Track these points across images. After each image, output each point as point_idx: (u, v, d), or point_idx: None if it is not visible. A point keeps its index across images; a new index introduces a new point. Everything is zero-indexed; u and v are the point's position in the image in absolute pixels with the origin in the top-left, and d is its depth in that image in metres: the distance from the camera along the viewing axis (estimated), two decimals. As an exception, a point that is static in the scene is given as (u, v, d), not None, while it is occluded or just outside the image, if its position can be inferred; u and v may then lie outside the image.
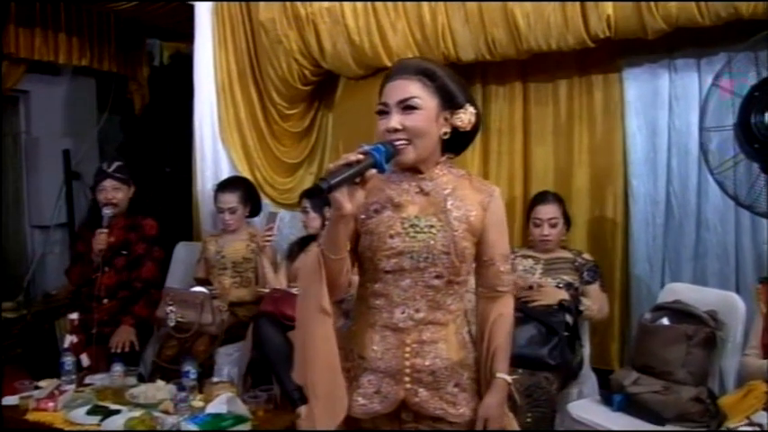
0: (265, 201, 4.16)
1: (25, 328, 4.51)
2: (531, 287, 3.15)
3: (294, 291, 3.28)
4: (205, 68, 4.31)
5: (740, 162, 2.67)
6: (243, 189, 3.85)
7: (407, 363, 1.67)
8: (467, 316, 1.79)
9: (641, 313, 3.07)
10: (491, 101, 3.86)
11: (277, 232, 3.57)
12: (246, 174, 4.23)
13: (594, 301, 3.15)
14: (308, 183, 4.24)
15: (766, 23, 2.75)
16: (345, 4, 3.71)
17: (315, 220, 3.52)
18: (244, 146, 4.31)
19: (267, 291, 3.50)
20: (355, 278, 1.75)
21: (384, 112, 1.66)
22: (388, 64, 3.53)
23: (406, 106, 1.64)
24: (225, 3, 4.24)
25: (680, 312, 2.78)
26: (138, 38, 5.46)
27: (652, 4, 3.03)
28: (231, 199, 3.78)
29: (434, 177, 1.72)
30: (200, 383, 2.86)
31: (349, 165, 1.49)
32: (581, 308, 3.10)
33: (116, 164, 3.70)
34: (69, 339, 3.17)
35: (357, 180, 1.51)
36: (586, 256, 3.30)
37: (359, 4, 3.69)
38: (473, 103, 1.73)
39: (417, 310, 1.67)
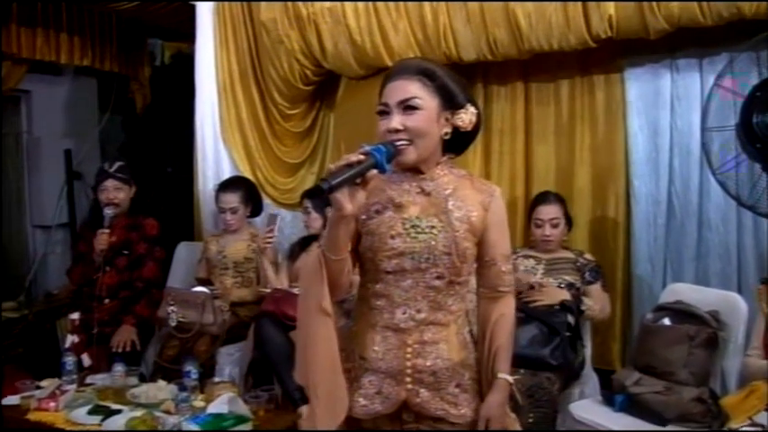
0: (266, 201, 4.16)
1: (27, 327, 4.51)
2: (532, 287, 3.15)
3: (295, 291, 3.27)
4: (206, 68, 4.31)
5: (742, 162, 2.67)
6: (244, 189, 3.85)
7: (409, 363, 1.67)
8: (468, 316, 1.79)
9: (643, 313, 3.07)
10: (492, 101, 3.86)
11: (278, 233, 3.57)
12: (248, 174, 4.23)
13: (596, 302, 3.15)
14: (309, 183, 4.24)
15: (768, 23, 2.75)
16: (347, 4, 3.71)
17: (316, 221, 3.52)
18: (245, 146, 4.31)
19: (268, 291, 3.50)
20: (356, 278, 1.74)
21: (384, 113, 1.66)
22: (390, 64, 3.52)
23: (407, 106, 1.63)
24: (226, 3, 4.24)
25: (682, 313, 2.77)
26: (139, 38, 5.46)
27: (654, 4, 3.02)
28: (232, 199, 3.78)
29: (435, 178, 1.72)
30: (201, 383, 2.87)
31: (350, 165, 1.49)
32: (582, 308, 3.09)
33: (117, 164, 3.70)
34: (71, 339, 3.18)
35: (358, 180, 1.51)
36: (588, 256, 3.30)
37: (360, 4, 3.69)
38: (474, 103, 1.73)
39: (418, 311, 1.67)
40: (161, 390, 2.81)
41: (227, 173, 4.26)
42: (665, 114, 3.44)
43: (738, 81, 2.77)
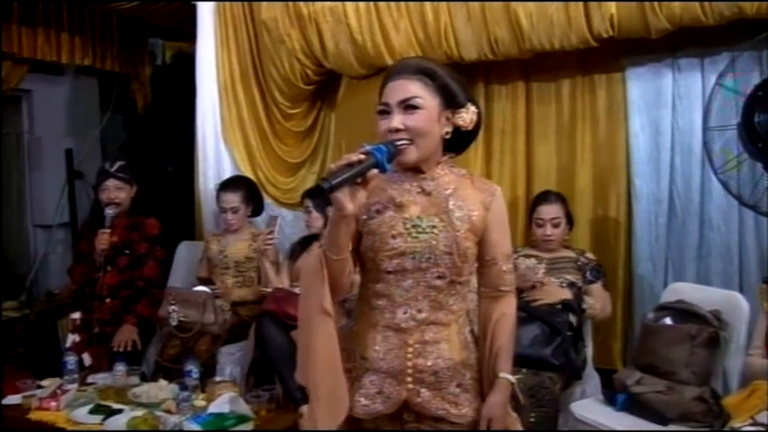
0: (267, 200, 4.16)
1: (28, 327, 4.51)
2: (533, 286, 3.15)
3: (296, 290, 3.27)
4: (207, 68, 4.30)
5: (744, 161, 2.67)
6: (245, 188, 3.85)
7: (410, 363, 1.67)
8: (469, 316, 1.79)
9: (644, 313, 3.07)
10: (494, 100, 3.86)
11: (278, 234, 3.57)
12: (249, 173, 4.23)
13: (597, 301, 3.15)
14: (310, 182, 4.24)
15: (770, 22, 2.74)
16: (348, 3, 3.70)
17: (317, 220, 3.52)
18: (246, 145, 4.31)
19: (269, 290, 3.50)
20: (357, 278, 1.74)
21: (385, 112, 1.66)
22: (391, 63, 3.52)
23: (408, 106, 1.63)
24: (227, 2, 4.24)
25: (683, 312, 2.77)
26: (140, 37, 5.46)
27: (655, 3, 3.02)
28: (233, 198, 3.78)
29: (436, 177, 1.72)
30: (202, 383, 2.86)
31: (351, 165, 1.49)
32: (584, 306, 3.09)
33: (118, 163, 3.70)
34: (72, 339, 3.18)
35: (359, 180, 1.50)
36: (589, 255, 3.29)
37: (361, 4, 3.68)
38: (474, 102, 1.73)
39: (419, 311, 1.67)
40: (162, 389, 2.81)
41: (228, 172, 4.25)
42: (667, 114, 3.44)
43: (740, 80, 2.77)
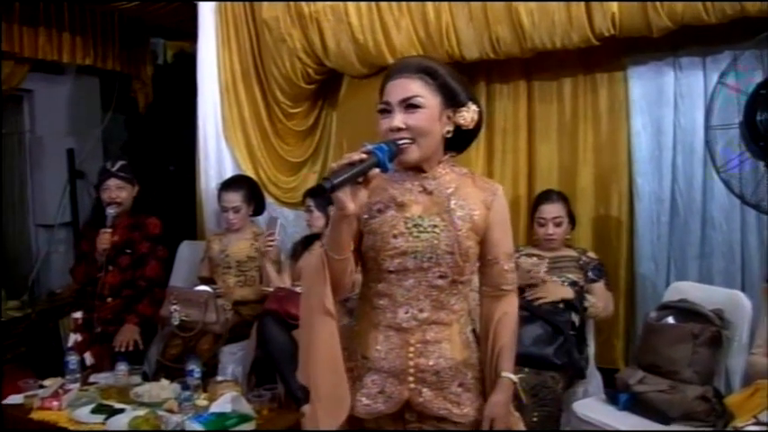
0: (269, 200, 4.16)
1: (30, 326, 4.52)
2: (534, 284, 3.15)
3: (298, 289, 3.27)
4: (209, 67, 4.30)
5: (746, 160, 2.67)
6: (246, 188, 3.85)
7: (411, 363, 1.66)
8: (470, 315, 1.78)
9: (646, 312, 3.06)
10: (495, 99, 3.85)
11: (278, 236, 3.57)
12: (250, 172, 4.23)
13: (599, 300, 3.14)
14: (311, 181, 4.24)
15: (772, 21, 2.74)
16: (349, 2, 3.70)
17: (318, 219, 3.52)
18: (247, 145, 4.31)
19: (271, 289, 3.50)
20: (359, 278, 1.74)
21: (386, 111, 1.65)
22: (392, 62, 3.52)
23: (409, 105, 1.63)
24: (228, 2, 4.24)
25: (686, 311, 2.77)
26: (141, 37, 5.46)
27: (657, 2, 3.01)
28: (235, 198, 3.78)
29: (437, 176, 1.71)
30: (204, 382, 2.86)
31: (352, 164, 1.48)
32: (586, 304, 3.08)
33: (120, 163, 3.70)
34: (73, 338, 3.18)
35: (360, 179, 1.50)
36: (591, 254, 3.29)
37: (362, 3, 3.68)
38: (475, 101, 1.72)
39: (421, 310, 1.67)
40: (164, 389, 2.81)
41: (229, 172, 4.25)
42: (669, 112, 3.43)
43: (742, 79, 2.76)
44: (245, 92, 4.28)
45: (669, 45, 3.35)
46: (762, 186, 2.66)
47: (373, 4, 3.65)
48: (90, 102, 5.56)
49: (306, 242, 3.63)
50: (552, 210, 3.24)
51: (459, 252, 1.65)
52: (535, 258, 3.26)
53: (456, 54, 3.54)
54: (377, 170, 1.51)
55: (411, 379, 1.67)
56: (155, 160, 5.52)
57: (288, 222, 4.21)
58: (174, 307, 3.49)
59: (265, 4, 4.02)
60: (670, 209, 3.45)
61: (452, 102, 1.68)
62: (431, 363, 1.67)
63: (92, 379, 3.02)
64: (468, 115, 1.69)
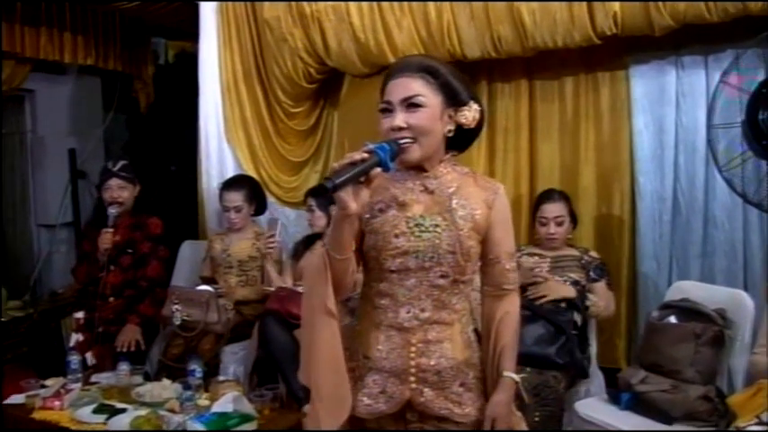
0: (270, 199, 4.16)
1: (31, 326, 4.52)
2: (535, 283, 3.14)
3: (300, 289, 3.27)
4: (210, 67, 4.30)
5: (748, 159, 2.66)
6: (248, 187, 3.85)
7: (413, 362, 1.66)
8: (472, 314, 1.78)
9: (648, 311, 3.06)
10: (497, 98, 3.85)
11: (279, 237, 3.57)
12: (252, 172, 4.23)
13: (601, 299, 3.14)
14: (313, 181, 4.24)
15: (774, 20, 2.73)
16: (350, 2, 3.70)
17: (320, 219, 3.52)
18: (249, 144, 4.31)
19: (273, 289, 3.50)
20: (360, 277, 1.74)
21: (387, 110, 1.65)
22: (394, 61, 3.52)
23: (411, 104, 1.62)
24: (230, 2, 4.24)
25: (688, 310, 2.76)
26: (143, 37, 5.47)
27: (659, 1, 3.00)
28: (236, 197, 3.78)
29: (439, 175, 1.71)
30: (205, 382, 2.86)
31: (354, 164, 1.48)
32: (587, 303, 3.08)
33: (121, 163, 3.70)
34: (75, 338, 3.18)
35: (362, 179, 1.50)
36: (593, 253, 3.28)
37: (364, 3, 3.68)
38: (477, 100, 1.72)
39: (422, 310, 1.66)
40: (165, 389, 2.81)
41: (230, 171, 4.26)
42: (671, 111, 3.43)
43: (745, 78, 2.76)
44: (246, 91, 4.28)
45: (671, 44, 3.34)
46: (764, 185, 2.65)
47: (375, 3, 3.65)
48: (91, 102, 5.56)
49: (307, 242, 3.62)
50: (554, 209, 3.24)
51: (461, 251, 1.65)
52: (537, 258, 3.26)
53: (457, 53, 3.54)
54: (378, 170, 1.51)
55: (412, 379, 1.66)
56: (156, 160, 5.53)
57: (289, 222, 4.21)
58: (176, 307, 3.49)
59: (267, 3, 4.02)
60: (672, 208, 3.44)
61: (454, 101, 1.68)
62: (432, 362, 1.66)
63: (93, 379, 3.02)
64: (470, 114, 1.69)
